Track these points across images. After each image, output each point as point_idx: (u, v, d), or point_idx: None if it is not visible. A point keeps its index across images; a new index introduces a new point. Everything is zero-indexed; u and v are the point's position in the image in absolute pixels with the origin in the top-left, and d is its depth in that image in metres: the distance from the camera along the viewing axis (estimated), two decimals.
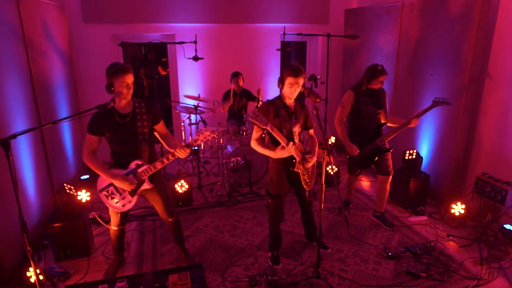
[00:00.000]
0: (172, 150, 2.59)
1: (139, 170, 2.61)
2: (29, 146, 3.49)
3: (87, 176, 4.79)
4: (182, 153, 2.53)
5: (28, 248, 2.02)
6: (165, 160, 2.58)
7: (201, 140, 2.55)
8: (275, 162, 2.88)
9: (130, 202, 2.70)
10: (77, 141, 4.93)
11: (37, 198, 3.53)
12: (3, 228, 2.87)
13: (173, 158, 2.58)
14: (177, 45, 5.16)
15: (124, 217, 2.90)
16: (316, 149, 2.94)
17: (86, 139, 2.57)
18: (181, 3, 5.31)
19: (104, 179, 2.66)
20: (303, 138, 3.17)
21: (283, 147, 2.65)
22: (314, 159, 2.89)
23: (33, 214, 3.43)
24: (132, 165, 2.61)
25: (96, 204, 4.20)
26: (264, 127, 2.53)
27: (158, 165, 2.60)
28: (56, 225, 3.08)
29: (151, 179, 2.68)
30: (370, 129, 3.45)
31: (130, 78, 2.48)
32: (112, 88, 2.45)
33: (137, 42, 5.41)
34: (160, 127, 2.75)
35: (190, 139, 2.64)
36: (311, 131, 3.01)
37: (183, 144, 2.55)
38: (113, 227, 2.92)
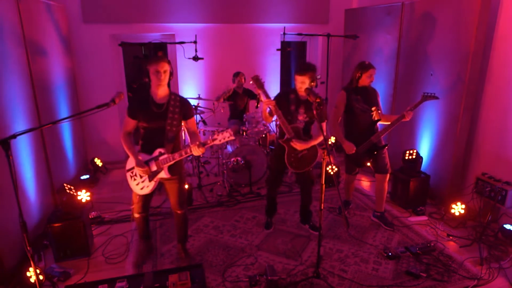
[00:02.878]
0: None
1: (160, 158, 2.77)
2: (29, 146, 3.49)
3: (87, 176, 4.80)
4: (196, 151, 2.64)
5: (28, 248, 2.02)
6: (183, 153, 2.73)
7: (219, 140, 2.61)
8: (278, 138, 3.34)
9: (147, 186, 2.86)
10: (77, 141, 4.93)
11: (37, 198, 3.53)
12: (3, 228, 2.87)
13: (190, 153, 2.69)
14: (177, 45, 5.15)
15: (145, 205, 3.05)
16: (313, 140, 3.18)
17: (124, 120, 2.81)
18: (181, 3, 5.31)
19: (131, 161, 2.85)
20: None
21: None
22: (302, 146, 3.13)
23: (33, 214, 3.43)
24: (156, 152, 2.78)
25: (96, 204, 4.21)
26: (258, 89, 3.02)
27: (177, 157, 2.74)
28: (56, 225, 3.07)
29: (172, 169, 2.81)
30: (365, 126, 3.47)
31: (162, 67, 2.62)
32: (148, 77, 2.69)
33: (137, 42, 5.42)
34: (189, 123, 2.88)
35: (210, 138, 2.68)
36: (322, 124, 3.09)
37: (198, 142, 2.64)
38: (135, 214, 3.09)
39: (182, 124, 2.88)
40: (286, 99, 3.12)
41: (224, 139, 2.60)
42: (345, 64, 5.86)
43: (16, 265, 2.97)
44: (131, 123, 2.78)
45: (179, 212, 3.04)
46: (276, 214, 3.76)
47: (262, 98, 3.07)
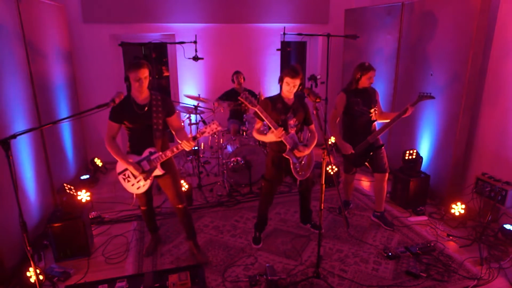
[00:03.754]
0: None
1: (152, 157, 2.83)
2: (29, 146, 3.49)
3: (87, 176, 4.80)
4: (187, 146, 2.69)
5: (28, 248, 2.02)
6: (174, 149, 2.78)
7: (208, 133, 2.68)
8: (271, 149, 3.21)
9: (144, 185, 2.94)
10: (77, 141, 4.93)
11: (37, 198, 3.53)
12: (3, 228, 2.87)
13: (181, 149, 2.74)
14: (177, 45, 5.16)
15: (148, 198, 3.15)
16: (313, 144, 3.15)
17: (108, 125, 2.80)
18: (181, 3, 5.31)
19: (121, 164, 2.88)
20: (303, 138, 3.29)
21: (273, 131, 2.93)
22: (306, 151, 3.09)
23: (33, 214, 3.43)
24: (146, 152, 2.83)
25: (96, 204, 4.21)
26: (252, 107, 2.84)
27: (169, 154, 2.81)
28: (56, 225, 3.08)
29: (163, 166, 2.88)
30: (362, 127, 3.48)
31: (142, 73, 2.66)
32: (128, 81, 2.72)
33: (137, 42, 5.42)
34: (173, 120, 2.93)
35: (197, 131, 2.73)
36: (311, 127, 3.25)
37: (190, 136, 2.70)
38: (142, 207, 3.20)
39: (167, 121, 2.92)
40: (273, 108, 3.02)
41: (212, 130, 2.67)
42: (345, 64, 5.86)
43: (16, 265, 2.97)
44: (115, 127, 2.80)
45: (180, 206, 3.06)
46: (267, 226, 3.57)
47: (273, 128, 2.91)
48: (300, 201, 3.59)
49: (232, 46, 5.73)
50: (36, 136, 3.69)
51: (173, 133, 2.96)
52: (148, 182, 2.91)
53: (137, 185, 2.94)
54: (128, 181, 2.95)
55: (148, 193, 3.09)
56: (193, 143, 2.68)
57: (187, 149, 2.72)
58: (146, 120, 2.77)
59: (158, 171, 2.86)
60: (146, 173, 2.84)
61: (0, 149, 1.92)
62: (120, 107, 2.72)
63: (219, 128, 2.69)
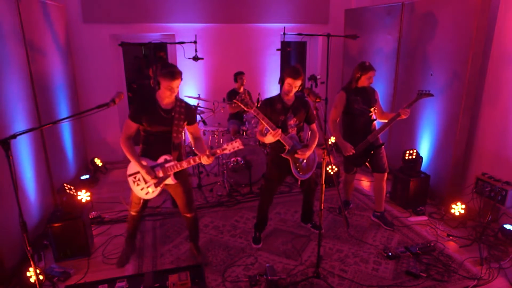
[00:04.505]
0: (197, 154, 2.73)
1: (166, 165, 2.75)
2: (29, 146, 3.49)
3: (87, 176, 4.80)
4: (205, 160, 2.66)
5: (28, 248, 2.02)
6: (191, 161, 2.72)
7: (229, 150, 2.65)
8: (272, 149, 3.22)
9: (153, 192, 2.85)
10: (77, 141, 4.93)
11: (37, 198, 3.53)
12: (3, 228, 2.87)
13: (199, 161, 2.70)
14: (177, 45, 5.16)
15: (144, 206, 3.05)
16: (314, 144, 3.15)
17: (125, 124, 2.72)
18: (181, 3, 5.31)
19: (134, 165, 2.79)
20: (303, 137, 3.30)
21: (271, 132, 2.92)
22: (307, 153, 3.08)
23: (33, 214, 3.43)
24: (161, 159, 2.75)
25: (96, 204, 4.21)
26: (248, 109, 2.81)
27: (184, 165, 2.74)
28: (56, 225, 3.08)
29: (176, 175, 2.81)
30: (362, 126, 3.49)
31: (175, 84, 2.60)
32: (158, 86, 2.65)
33: (137, 42, 5.43)
34: (193, 128, 2.92)
35: (220, 148, 2.69)
36: (312, 126, 3.23)
37: (207, 152, 2.65)
38: (132, 212, 3.07)
39: (185, 128, 2.88)
40: (273, 110, 3.03)
41: (233, 148, 2.64)
42: (345, 64, 5.86)
43: (16, 265, 2.97)
44: (133, 127, 2.71)
45: (188, 215, 3.04)
46: (267, 226, 3.57)
47: (271, 129, 2.91)
48: (303, 200, 3.59)
49: (232, 46, 5.73)
50: (36, 136, 3.69)
51: (191, 140, 2.93)
52: (158, 189, 2.82)
53: (146, 190, 2.85)
54: (138, 184, 2.85)
55: (147, 200, 3.00)
56: (212, 158, 2.65)
57: (204, 163, 2.70)
58: (166, 126, 2.70)
59: (170, 180, 2.79)
60: (158, 180, 2.77)
61: (0, 149, 1.92)
62: (142, 108, 2.66)
63: (240, 147, 2.64)
